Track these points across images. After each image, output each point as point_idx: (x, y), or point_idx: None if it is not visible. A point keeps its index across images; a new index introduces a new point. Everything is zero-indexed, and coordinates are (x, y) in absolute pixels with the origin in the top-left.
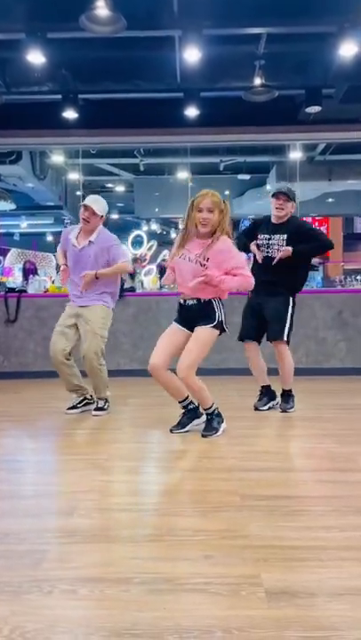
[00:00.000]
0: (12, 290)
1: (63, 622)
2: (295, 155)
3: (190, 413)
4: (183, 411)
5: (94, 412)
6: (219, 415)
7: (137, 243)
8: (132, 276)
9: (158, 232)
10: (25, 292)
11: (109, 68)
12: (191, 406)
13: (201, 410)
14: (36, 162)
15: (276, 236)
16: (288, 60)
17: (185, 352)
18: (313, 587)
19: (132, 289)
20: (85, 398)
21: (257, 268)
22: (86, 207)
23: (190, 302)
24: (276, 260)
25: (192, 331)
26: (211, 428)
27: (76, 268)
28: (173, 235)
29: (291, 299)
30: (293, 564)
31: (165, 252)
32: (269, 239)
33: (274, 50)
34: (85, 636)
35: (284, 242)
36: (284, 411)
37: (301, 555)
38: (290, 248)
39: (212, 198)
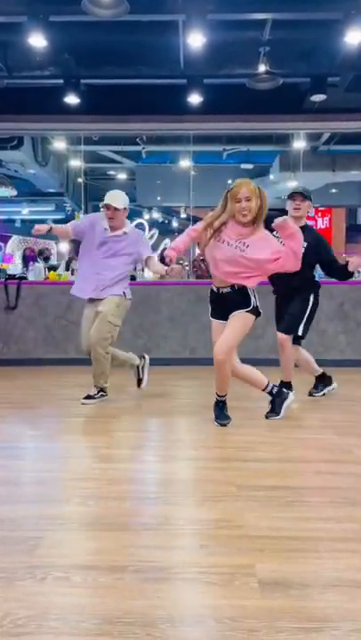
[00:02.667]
0: (12, 277)
1: (55, 609)
2: (299, 144)
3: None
4: (221, 404)
5: (83, 400)
6: (280, 394)
7: None
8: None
9: (160, 220)
10: (25, 278)
11: (112, 52)
12: (275, 390)
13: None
14: (37, 148)
15: None
16: (293, 47)
17: (222, 338)
18: (308, 578)
19: (133, 277)
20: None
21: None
22: (107, 207)
23: (225, 290)
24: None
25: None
26: (272, 410)
27: (103, 254)
28: (175, 224)
29: (312, 296)
30: (289, 554)
31: (167, 240)
32: None
33: (279, 36)
34: (77, 624)
35: (304, 249)
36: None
37: (297, 545)
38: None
39: (248, 187)
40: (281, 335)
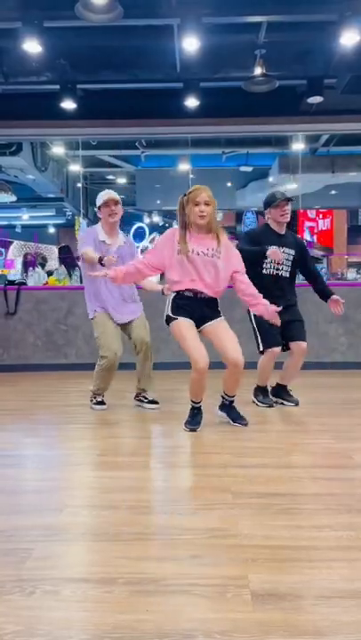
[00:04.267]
0: (11, 282)
1: (43, 624)
2: (298, 146)
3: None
4: (197, 411)
5: (152, 406)
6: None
7: (139, 235)
8: None
9: (160, 224)
10: (24, 284)
11: (108, 57)
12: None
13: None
14: (36, 153)
15: (287, 249)
16: (289, 49)
17: (230, 342)
18: (301, 589)
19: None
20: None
21: (267, 288)
22: (108, 203)
23: (202, 295)
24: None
25: (197, 326)
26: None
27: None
28: (176, 226)
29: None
30: (282, 564)
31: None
32: (283, 252)
33: (275, 39)
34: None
35: (293, 257)
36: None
37: (291, 555)
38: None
39: (207, 192)
40: (303, 344)
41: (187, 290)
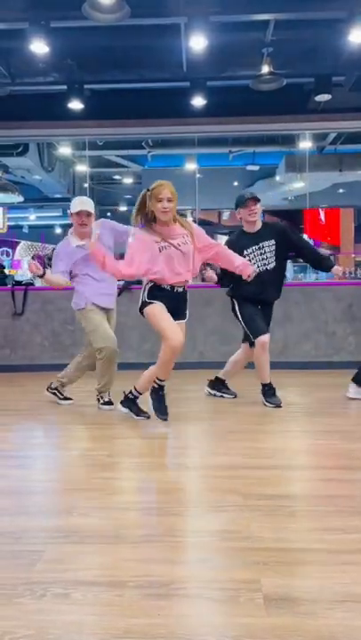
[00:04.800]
0: (19, 283)
1: (54, 628)
2: (305, 144)
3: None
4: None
5: (108, 407)
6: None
7: None
8: None
9: None
10: (32, 284)
11: (114, 57)
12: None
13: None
14: (43, 154)
15: (265, 243)
16: (297, 47)
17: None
18: (314, 593)
19: (140, 282)
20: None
21: (254, 285)
22: (79, 214)
23: (179, 289)
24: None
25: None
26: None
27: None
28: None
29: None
30: (294, 568)
31: None
32: (260, 249)
33: (282, 37)
34: None
35: (275, 247)
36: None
37: (303, 558)
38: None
39: (170, 188)
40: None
41: (166, 284)
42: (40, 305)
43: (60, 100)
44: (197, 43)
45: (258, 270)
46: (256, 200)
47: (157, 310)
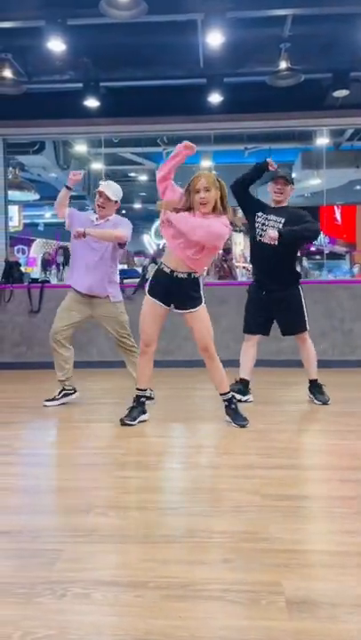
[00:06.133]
0: (35, 280)
1: (75, 629)
2: (322, 141)
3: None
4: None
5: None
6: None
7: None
8: (155, 260)
9: None
10: (48, 282)
11: (131, 54)
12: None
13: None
14: (59, 152)
15: (273, 217)
16: (315, 42)
17: (199, 333)
18: (335, 596)
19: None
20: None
21: (258, 261)
22: (100, 193)
23: (181, 275)
24: (266, 240)
25: (168, 305)
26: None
27: (89, 246)
28: None
29: (300, 287)
30: (315, 570)
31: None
32: (267, 218)
33: (300, 32)
34: None
35: (281, 225)
36: (324, 403)
37: (323, 561)
38: (275, 232)
39: (207, 178)
40: (300, 335)
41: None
42: (56, 302)
43: (76, 97)
44: (214, 39)
45: (259, 237)
46: (286, 181)
47: (150, 304)
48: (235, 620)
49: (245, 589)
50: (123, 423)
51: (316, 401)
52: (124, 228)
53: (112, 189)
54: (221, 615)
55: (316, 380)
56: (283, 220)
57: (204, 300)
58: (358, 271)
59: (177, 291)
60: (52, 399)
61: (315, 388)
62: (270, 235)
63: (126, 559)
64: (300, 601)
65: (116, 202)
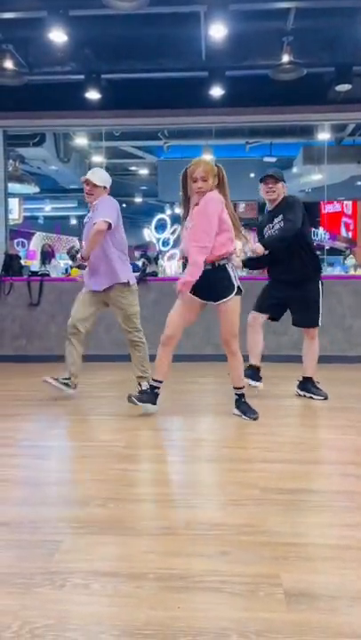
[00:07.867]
0: (34, 273)
1: (74, 619)
2: (323, 136)
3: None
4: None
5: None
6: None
7: (160, 227)
8: (156, 259)
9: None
10: (48, 275)
11: (132, 46)
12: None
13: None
14: (59, 144)
15: (276, 220)
16: (317, 36)
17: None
18: (334, 589)
19: (155, 273)
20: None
21: (275, 265)
22: (87, 181)
23: (205, 267)
24: (254, 255)
25: (202, 298)
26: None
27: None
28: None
29: (320, 283)
30: (314, 563)
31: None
32: (272, 227)
33: (302, 25)
34: (96, 635)
35: (283, 222)
36: (325, 398)
37: (322, 554)
38: (260, 247)
39: (204, 166)
40: (310, 330)
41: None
42: (56, 296)
43: (77, 89)
44: (217, 32)
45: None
46: (274, 178)
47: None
48: (233, 612)
49: (244, 581)
50: (129, 399)
51: (315, 397)
52: (100, 216)
53: (97, 175)
54: (220, 606)
55: (312, 377)
56: (281, 218)
57: (236, 290)
58: (352, 267)
59: (205, 284)
60: (56, 378)
61: (311, 385)
62: (256, 251)
63: (126, 551)
64: (299, 593)
65: (105, 187)
